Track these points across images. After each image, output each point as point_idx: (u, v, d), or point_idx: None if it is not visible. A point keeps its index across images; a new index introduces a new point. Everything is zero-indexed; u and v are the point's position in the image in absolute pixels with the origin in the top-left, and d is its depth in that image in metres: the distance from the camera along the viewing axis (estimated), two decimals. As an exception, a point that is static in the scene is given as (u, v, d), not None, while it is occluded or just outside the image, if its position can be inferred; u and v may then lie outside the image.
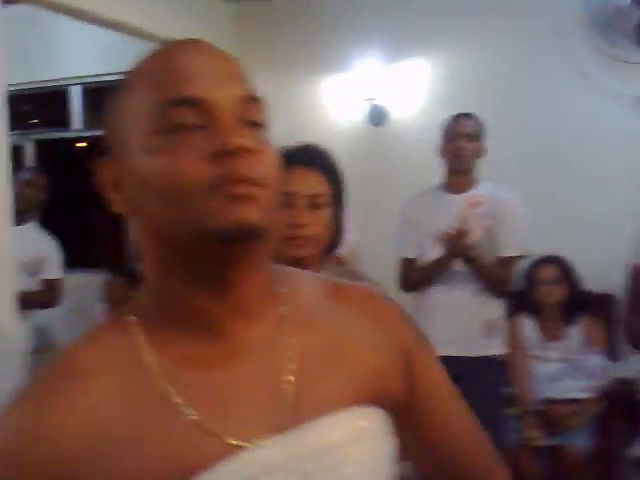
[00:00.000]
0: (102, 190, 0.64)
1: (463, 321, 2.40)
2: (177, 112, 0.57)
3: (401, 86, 3.51)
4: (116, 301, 3.75)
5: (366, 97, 3.54)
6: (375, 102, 3.53)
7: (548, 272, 2.86)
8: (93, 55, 4.09)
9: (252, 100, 0.61)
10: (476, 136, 2.49)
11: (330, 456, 0.61)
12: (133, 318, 0.63)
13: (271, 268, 0.66)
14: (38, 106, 4.31)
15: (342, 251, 2.53)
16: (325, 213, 1.31)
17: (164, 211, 0.57)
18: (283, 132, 3.88)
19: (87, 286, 4.06)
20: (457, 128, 2.50)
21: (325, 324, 0.66)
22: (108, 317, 0.68)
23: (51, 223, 4.41)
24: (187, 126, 0.57)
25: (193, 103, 0.57)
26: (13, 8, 2.86)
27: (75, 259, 4.38)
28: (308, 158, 1.33)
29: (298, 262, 1.24)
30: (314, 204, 1.29)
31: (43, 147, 4.39)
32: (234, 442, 0.58)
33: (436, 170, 2.60)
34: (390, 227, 2.71)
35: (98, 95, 4.25)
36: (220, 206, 0.55)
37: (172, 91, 0.58)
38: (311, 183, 1.30)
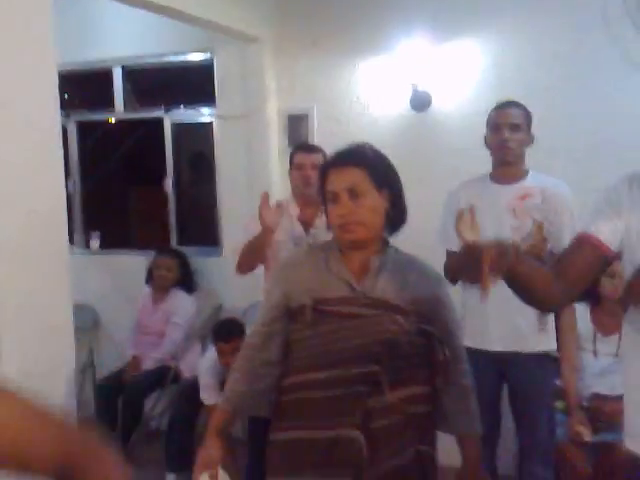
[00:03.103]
0: None
1: (514, 317, 2.37)
2: None
3: (446, 70, 3.42)
4: (162, 280, 3.80)
5: (409, 81, 3.45)
6: (418, 87, 3.44)
7: (617, 266, 2.75)
8: (132, 36, 4.09)
9: None
10: (521, 126, 2.41)
11: None
12: None
13: None
14: (80, 87, 4.34)
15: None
16: (368, 200, 1.53)
17: None
18: (323, 117, 3.89)
19: (131, 267, 4.12)
20: (501, 118, 2.42)
21: None
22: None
23: (92, 205, 4.49)
24: None
25: None
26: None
27: (118, 240, 4.46)
28: (341, 159, 1.58)
29: (355, 244, 1.55)
30: (353, 194, 1.52)
31: (84, 128, 4.43)
32: None
33: (481, 159, 2.55)
34: (432, 217, 2.67)
35: (139, 78, 4.27)
36: None
37: None
38: (346, 178, 1.54)
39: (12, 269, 2.15)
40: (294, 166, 2.64)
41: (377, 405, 1.47)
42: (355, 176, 1.53)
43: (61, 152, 2.41)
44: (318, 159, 2.60)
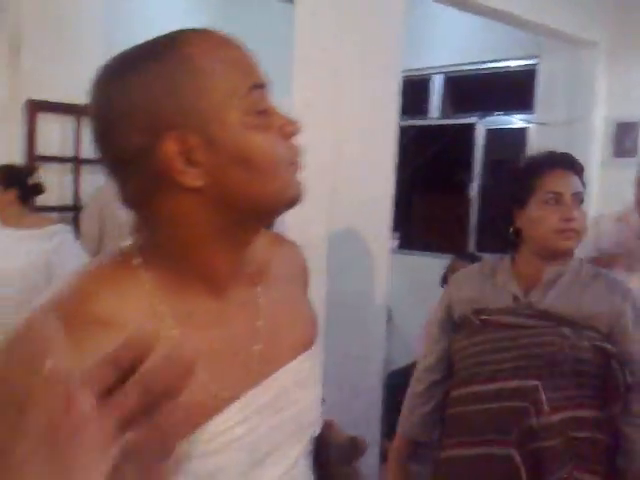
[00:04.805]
0: (169, 163, 0.65)
1: None
2: (260, 95, 0.68)
3: None
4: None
5: None
6: None
7: None
8: (455, 45, 4.18)
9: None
10: None
11: (294, 392, 0.77)
12: (140, 261, 0.69)
13: None
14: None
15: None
16: (584, 209, 1.46)
17: (253, 182, 0.66)
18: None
19: (426, 268, 4.23)
20: None
21: (275, 279, 0.78)
22: (111, 256, 0.71)
23: (395, 206, 4.70)
24: (269, 108, 0.68)
25: (265, 87, 0.69)
26: None
27: (416, 241, 4.62)
28: (569, 162, 1.49)
29: (565, 253, 1.43)
30: (578, 201, 1.44)
31: (401, 133, 4.65)
32: (226, 395, 0.69)
33: None
34: None
35: (457, 84, 4.34)
36: (293, 178, 0.70)
37: (255, 77, 0.68)
38: (574, 183, 1.45)
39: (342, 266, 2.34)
40: (636, 179, 2.44)
41: (536, 425, 1.34)
42: (578, 183, 1.47)
43: (394, 157, 2.56)
44: None
